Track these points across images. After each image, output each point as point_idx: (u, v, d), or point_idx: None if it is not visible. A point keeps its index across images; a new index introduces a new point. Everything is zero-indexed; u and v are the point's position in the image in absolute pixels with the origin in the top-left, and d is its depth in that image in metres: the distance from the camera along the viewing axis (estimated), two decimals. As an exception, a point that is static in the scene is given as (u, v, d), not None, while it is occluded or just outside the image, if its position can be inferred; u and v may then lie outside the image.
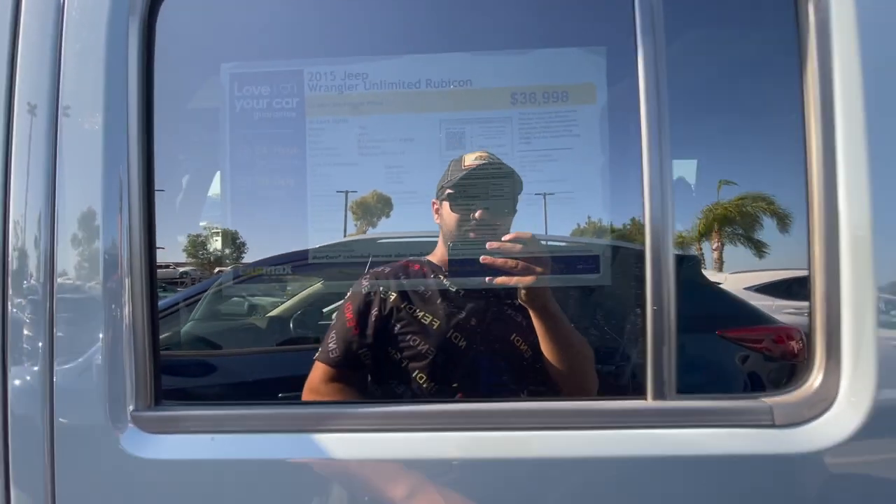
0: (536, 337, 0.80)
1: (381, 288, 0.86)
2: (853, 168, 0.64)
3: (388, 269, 0.88)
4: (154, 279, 0.72)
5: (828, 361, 0.66)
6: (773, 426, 0.65)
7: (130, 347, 0.69)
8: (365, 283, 0.86)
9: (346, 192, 0.79)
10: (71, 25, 0.70)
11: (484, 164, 0.79)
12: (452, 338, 0.83)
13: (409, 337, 0.84)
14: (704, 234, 0.94)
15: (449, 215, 0.83)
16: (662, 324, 0.67)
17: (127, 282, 0.68)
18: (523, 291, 0.77)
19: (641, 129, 0.66)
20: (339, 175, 0.74)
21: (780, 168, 0.76)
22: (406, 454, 0.65)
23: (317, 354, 0.87)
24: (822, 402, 0.65)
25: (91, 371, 0.67)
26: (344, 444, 0.65)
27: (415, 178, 0.77)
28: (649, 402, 0.67)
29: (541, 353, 0.81)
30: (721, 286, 1.00)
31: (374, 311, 0.85)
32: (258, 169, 0.74)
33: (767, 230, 0.90)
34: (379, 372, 0.87)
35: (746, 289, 1.11)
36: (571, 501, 0.66)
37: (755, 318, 1.07)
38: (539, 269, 0.75)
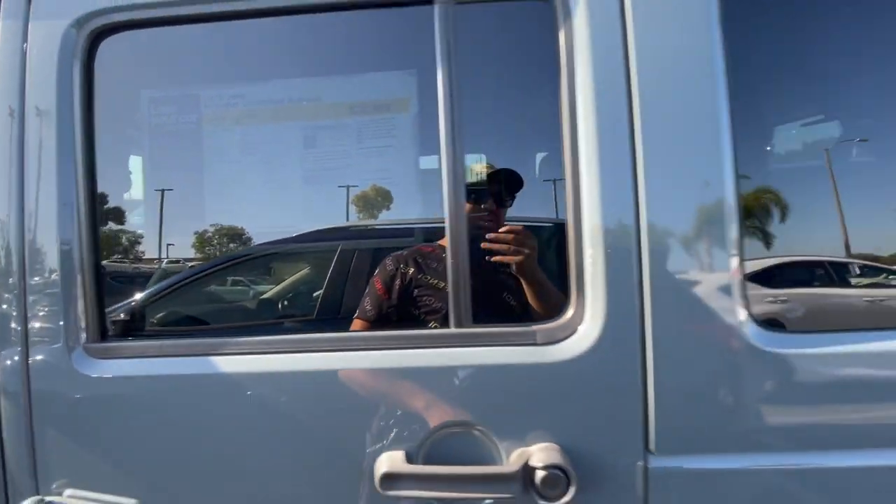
0: (523, 294, 1.11)
1: (400, 265, 1.19)
2: (589, 161, 0.87)
3: (405, 252, 1.20)
4: (99, 263, 0.97)
5: (577, 299, 0.89)
6: (535, 345, 0.89)
7: (83, 306, 0.95)
8: (389, 263, 1.19)
9: (348, 187, 1.06)
10: (32, 64, 0.96)
11: (492, 170, 1.11)
12: None
13: (425, 298, 1.16)
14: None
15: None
16: (459, 274, 0.91)
17: (78, 268, 0.94)
18: (515, 266, 1.08)
19: (440, 130, 0.90)
20: (228, 171, 0.99)
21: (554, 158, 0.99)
22: (268, 369, 0.91)
23: (356, 314, 1.19)
24: (571, 327, 0.89)
25: (57, 319, 0.94)
26: (230, 364, 0.91)
27: (284, 171, 1.02)
28: (452, 329, 0.92)
29: (527, 305, 1.11)
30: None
31: (398, 282, 1.18)
32: (169, 170, 1.00)
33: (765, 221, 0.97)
34: (403, 324, 1.17)
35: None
36: (402, 395, 0.89)
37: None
38: (526, 251, 1.07)
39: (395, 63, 0.96)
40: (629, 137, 0.86)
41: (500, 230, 1.08)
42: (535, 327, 0.90)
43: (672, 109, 0.86)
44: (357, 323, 1.21)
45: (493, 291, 1.15)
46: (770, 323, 0.86)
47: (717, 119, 0.86)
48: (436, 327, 1.14)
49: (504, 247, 1.07)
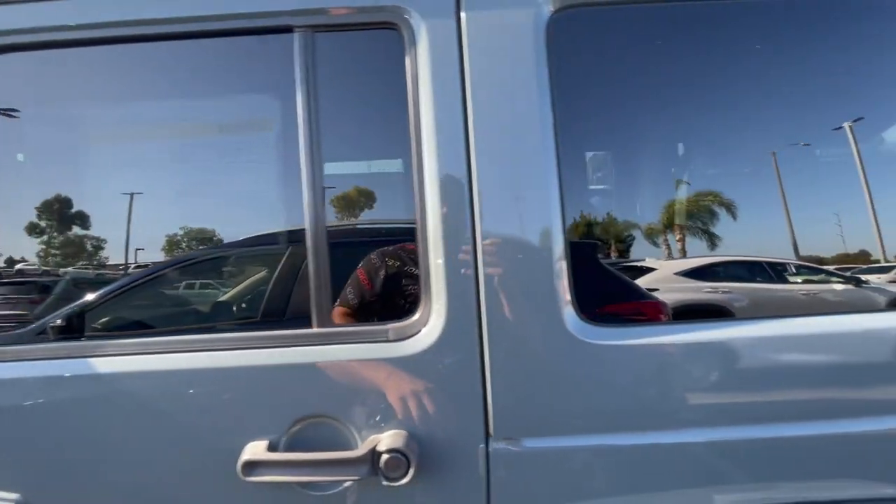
0: None
1: (386, 259, 1.28)
2: (431, 175, 0.96)
3: (390, 249, 1.30)
4: None
5: (424, 300, 0.99)
6: (388, 341, 0.98)
7: None
8: (374, 257, 1.28)
9: (330, 188, 1.12)
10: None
11: None
12: None
13: (409, 287, 1.20)
14: (668, 226, 1.11)
15: None
16: (319, 276, 1.00)
17: None
18: None
19: (300, 146, 0.99)
20: (107, 186, 1.07)
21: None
22: (143, 369, 0.98)
23: (337, 302, 1.21)
24: (419, 326, 0.98)
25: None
26: (110, 365, 0.99)
27: (174, 180, 1.10)
28: (314, 329, 1.01)
29: None
30: (608, 267, 1.17)
31: (382, 273, 1.27)
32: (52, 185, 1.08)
33: (706, 222, 1.08)
34: (387, 312, 1.25)
35: (675, 273, 1.19)
36: (268, 390, 0.98)
37: (632, 294, 1.20)
38: None
39: (262, 87, 1.04)
40: (465, 154, 0.96)
41: None
42: (387, 326, 0.99)
43: (503, 131, 0.96)
44: (339, 310, 1.25)
45: None
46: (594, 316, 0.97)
47: (543, 138, 0.96)
48: None
49: None
